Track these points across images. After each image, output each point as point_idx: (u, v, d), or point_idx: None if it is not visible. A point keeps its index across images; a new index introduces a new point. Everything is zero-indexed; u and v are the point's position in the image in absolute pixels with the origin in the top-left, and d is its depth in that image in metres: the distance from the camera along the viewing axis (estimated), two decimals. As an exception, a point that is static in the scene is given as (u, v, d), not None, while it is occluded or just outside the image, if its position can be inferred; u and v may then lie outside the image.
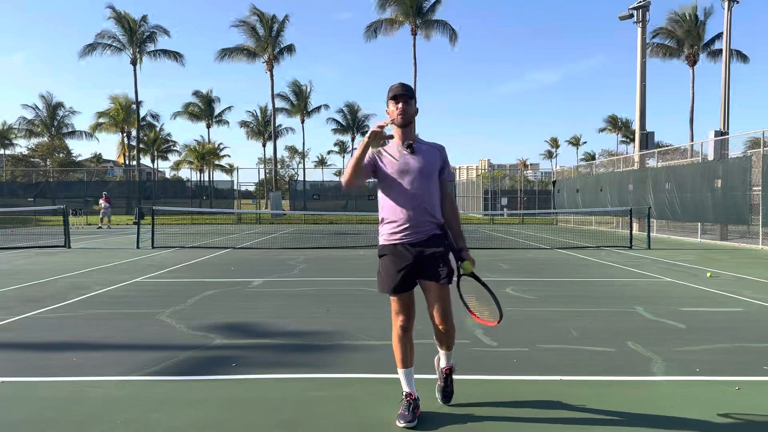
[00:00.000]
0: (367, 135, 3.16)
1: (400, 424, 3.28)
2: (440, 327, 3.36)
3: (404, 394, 3.40)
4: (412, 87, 3.44)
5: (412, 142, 3.33)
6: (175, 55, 44.00)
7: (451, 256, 3.35)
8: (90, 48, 41.75)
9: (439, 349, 3.59)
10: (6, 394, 3.84)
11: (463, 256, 3.40)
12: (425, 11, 39.26)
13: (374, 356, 4.71)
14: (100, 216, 28.48)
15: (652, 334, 5.52)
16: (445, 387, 3.61)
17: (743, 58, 39.11)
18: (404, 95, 3.28)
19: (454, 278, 3.38)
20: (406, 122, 3.32)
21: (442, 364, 3.62)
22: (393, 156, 3.33)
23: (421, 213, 3.30)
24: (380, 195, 3.42)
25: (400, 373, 3.44)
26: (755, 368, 4.42)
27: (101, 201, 28.65)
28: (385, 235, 3.39)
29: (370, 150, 3.31)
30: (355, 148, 3.33)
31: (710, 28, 56.62)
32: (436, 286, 3.28)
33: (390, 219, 3.36)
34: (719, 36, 38.40)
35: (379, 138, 3.18)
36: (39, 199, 38.86)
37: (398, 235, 3.32)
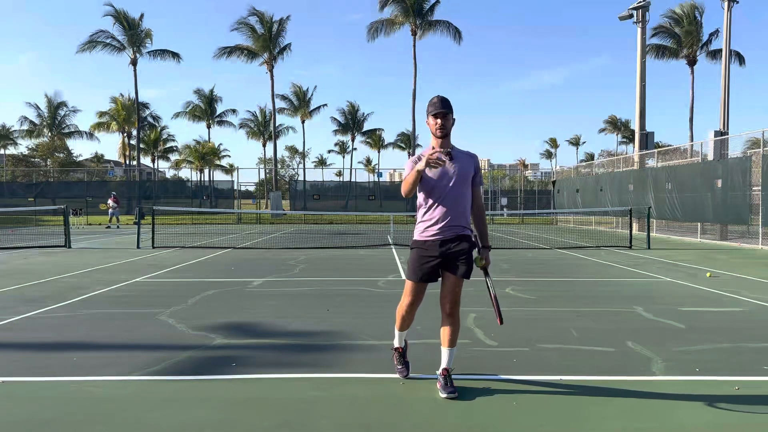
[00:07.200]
0: (423, 163, 3.51)
1: (400, 375, 4.10)
2: (447, 311, 3.78)
3: (394, 348, 4.16)
4: (449, 101, 3.77)
5: (449, 150, 3.74)
6: (174, 54, 44.02)
7: (474, 254, 3.79)
8: (89, 45, 41.66)
9: (441, 346, 3.84)
10: (6, 394, 3.84)
11: (481, 253, 3.83)
12: (425, 11, 39.27)
13: (374, 356, 4.71)
14: (109, 216, 28.54)
15: (652, 334, 5.53)
16: (445, 385, 3.77)
17: (740, 59, 39.08)
18: (442, 111, 3.68)
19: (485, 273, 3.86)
20: (444, 135, 3.73)
21: (443, 364, 3.84)
22: None
23: (454, 214, 3.72)
24: (420, 196, 3.82)
25: (396, 333, 4.10)
26: (755, 368, 4.42)
27: (110, 201, 28.71)
28: (420, 231, 3.81)
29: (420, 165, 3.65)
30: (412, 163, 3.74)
31: (708, 27, 56.61)
32: (453, 278, 3.74)
33: (426, 217, 3.78)
34: (716, 34, 38.43)
35: (431, 165, 3.52)
36: (39, 199, 38.85)
37: (431, 233, 3.75)
